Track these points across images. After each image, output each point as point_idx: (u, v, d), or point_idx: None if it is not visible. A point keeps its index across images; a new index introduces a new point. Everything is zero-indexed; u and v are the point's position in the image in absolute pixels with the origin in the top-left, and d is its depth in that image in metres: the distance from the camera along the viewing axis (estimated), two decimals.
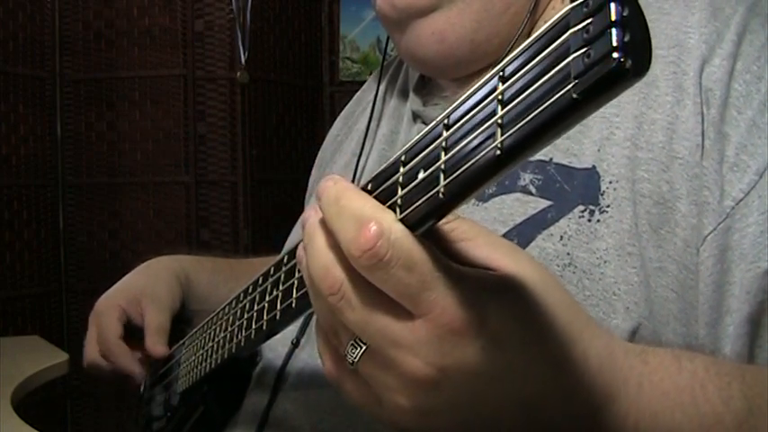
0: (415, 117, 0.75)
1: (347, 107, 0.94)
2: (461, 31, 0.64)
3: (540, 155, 0.59)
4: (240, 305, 0.63)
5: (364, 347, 0.40)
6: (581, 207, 0.56)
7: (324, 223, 0.39)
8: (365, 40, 2.91)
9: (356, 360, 0.40)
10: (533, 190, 0.58)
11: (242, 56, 2.51)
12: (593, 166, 0.57)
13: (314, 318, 0.47)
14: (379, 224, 0.35)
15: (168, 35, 2.49)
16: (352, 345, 0.40)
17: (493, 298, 0.38)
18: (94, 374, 0.92)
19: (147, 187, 2.52)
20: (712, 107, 0.55)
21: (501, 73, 0.31)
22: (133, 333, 0.90)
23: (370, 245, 0.35)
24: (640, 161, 0.56)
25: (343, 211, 0.37)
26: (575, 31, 0.27)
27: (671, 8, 0.60)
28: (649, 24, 0.61)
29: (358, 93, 0.94)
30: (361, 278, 0.37)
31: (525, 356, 0.39)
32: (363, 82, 0.96)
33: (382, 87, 0.84)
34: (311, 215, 0.41)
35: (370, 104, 0.82)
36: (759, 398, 0.45)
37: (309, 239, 0.40)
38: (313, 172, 0.96)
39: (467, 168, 0.32)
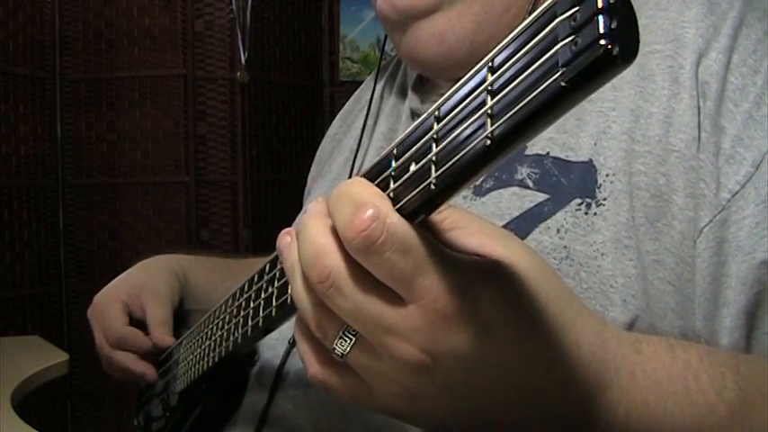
0: (414, 115, 0.75)
1: (345, 106, 0.95)
2: (461, 32, 0.64)
3: (538, 149, 0.60)
4: (236, 303, 0.63)
5: (354, 339, 0.40)
6: (578, 200, 0.56)
7: (318, 213, 0.40)
8: (365, 40, 2.91)
9: (346, 352, 0.40)
10: (530, 184, 0.58)
11: (242, 56, 2.51)
12: (590, 160, 0.57)
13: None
14: (376, 208, 0.35)
15: (168, 35, 2.49)
16: (341, 337, 0.40)
17: (486, 284, 0.38)
18: (118, 377, 0.91)
19: (147, 187, 2.52)
20: (708, 100, 0.55)
21: (490, 64, 0.32)
22: (135, 327, 0.90)
23: (364, 226, 0.35)
24: (637, 154, 0.56)
25: (343, 195, 0.37)
26: (562, 20, 0.27)
27: (668, 4, 0.61)
28: (647, 20, 0.61)
29: (356, 92, 0.94)
30: (353, 265, 0.37)
31: (517, 343, 0.39)
32: (363, 82, 0.96)
33: (380, 85, 0.85)
34: (312, 206, 0.41)
35: (368, 102, 0.82)
36: (753, 388, 0.45)
37: (302, 228, 0.40)
38: (312, 170, 0.96)
39: (458, 159, 0.32)
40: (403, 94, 0.79)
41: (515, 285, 0.39)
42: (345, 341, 0.40)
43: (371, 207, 0.35)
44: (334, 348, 0.40)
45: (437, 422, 0.43)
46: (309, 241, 0.39)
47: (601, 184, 0.56)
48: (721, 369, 0.46)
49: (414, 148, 0.36)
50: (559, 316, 0.41)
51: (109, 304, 0.90)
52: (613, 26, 0.26)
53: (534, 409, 0.42)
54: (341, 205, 0.37)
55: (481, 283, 0.38)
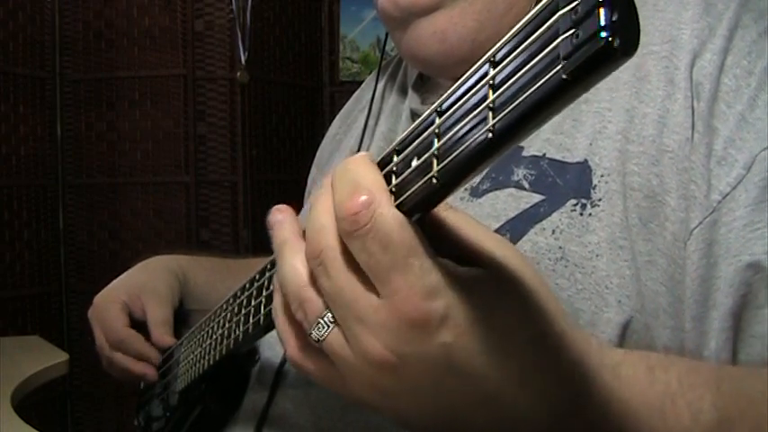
0: (413, 115, 0.75)
1: (346, 106, 0.94)
2: (463, 30, 0.64)
3: (534, 150, 0.60)
4: (237, 302, 0.63)
5: (332, 326, 0.40)
6: (573, 201, 0.56)
7: (328, 189, 0.40)
8: (365, 40, 2.91)
9: (322, 338, 0.40)
10: (526, 185, 0.59)
11: (242, 56, 2.51)
12: (585, 160, 0.57)
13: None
14: (370, 195, 0.36)
15: (168, 35, 2.49)
16: (320, 322, 0.40)
17: (464, 295, 0.37)
18: (119, 377, 0.91)
19: (147, 187, 2.52)
20: (702, 101, 0.55)
21: (492, 58, 0.32)
22: (135, 327, 0.90)
23: (354, 210, 0.36)
24: (631, 155, 0.56)
25: (346, 174, 0.38)
26: (563, 14, 0.28)
27: (665, 5, 0.61)
28: (644, 21, 0.60)
29: (356, 92, 0.94)
30: (342, 248, 0.38)
31: (495, 356, 0.39)
32: (363, 82, 0.96)
33: (381, 85, 0.84)
34: (326, 180, 0.41)
35: (369, 102, 0.82)
36: (733, 409, 0.45)
37: (314, 202, 0.41)
38: (312, 171, 0.96)
39: (459, 153, 0.32)
40: (403, 94, 0.79)
41: (501, 294, 0.39)
42: (323, 327, 0.40)
43: (366, 193, 0.36)
44: (311, 333, 0.41)
45: (405, 420, 0.43)
46: (315, 217, 0.40)
47: (596, 185, 0.56)
48: (700, 391, 0.45)
49: (415, 143, 0.36)
50: (545, 330, 0.41)
51: (109, 305, 0.90)
52: (614, 19, 0.26)
53: (508, 417, 0.42)
54: (342, 182, 0.38)
55: (459, 293, 0.37)
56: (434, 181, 0.34)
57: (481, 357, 0.38)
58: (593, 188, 0.56)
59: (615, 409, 0.43)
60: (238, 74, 2.51)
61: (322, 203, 0.40)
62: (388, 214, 0.36)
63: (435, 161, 0.34)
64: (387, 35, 0.74)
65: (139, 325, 0.90)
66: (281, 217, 0.44)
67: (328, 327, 0.40)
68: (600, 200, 0.55)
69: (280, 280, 0.43)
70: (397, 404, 0.41)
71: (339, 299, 0.38)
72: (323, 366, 0.42)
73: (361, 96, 0.92)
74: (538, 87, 0.28)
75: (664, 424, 0.44)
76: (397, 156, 0.37)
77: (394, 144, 0.38)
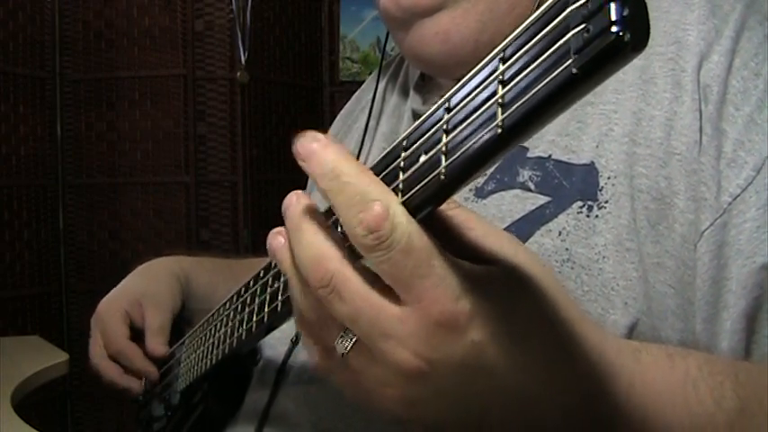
0: (416, 116, 0.75)
1: (346, 106, 0.95)
2: (466, 31, 0.64)
3: (540, 151, 0.60)
4: (241, 299, 0.63)
5: (354, 339, 0.39)
6: (579, 203, 0.56)
7: (309, 211, 0.39)
8: (365, 40, 2.92)
9: (346, 351, 0.40)
10: (532, 186, 0.58)
11: (242, 56, 2.51)
12: (592, 162, 0.57)
13: None
14: (384, 205, 0.35)
15: (168, 35, 2.49)
16: (342, 337, 0.40)
17: (486, 293, 0.37)
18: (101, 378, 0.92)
19: (147, 187, 2.52)
20: (710, 103, 0.55)
21: (501, 54, 0.32)
22: (135, 335, 0.91)
23: (375, 226, 0.35)
24: (638, 157, 0.56)
25: (345, 187, 0.36)
26: (574, 9, 0.28)
27: (670, 6, 0.60)
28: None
29: (357, 92, 0.94)
30: (353, 269, 0.37)
31: (518, 351, 0.39)
32: (363, 82, 0.96)
33: (382, 85, 0.84)
34: (293, 202, 0.40)
35: (370, 103, 0.82)
36: (752, 397, 0.45)
37: (296, 229, 0.39)
38: None
39: (468, 149, 0.32)
40: (405, 95, 0.79)
41: (518, 292, 0.39)
42: (347, 340, 0.40)
43: (379, 204, 0.35)
44: (335, 347, 0.40)
45: (433, 425, 0.43)
46: (308, 244, 0.39)
47: (602, 187, 0.56)
48: (720, 378, 0.46)
49: (423, 139, 0.36)
50: (563, 323, 0.41)
51: (111, 315, 0.91)
52: (625, 14, 0.26)
53: (534, 415, 0.42)
54: (344, 197, 0.36)
55: (481, 291, 0.37)
56: (442, 177, 0.33)
57: (507, 354, 0.38)
58: (600, 190, 0.56)
59: (639, 393, 0.43)
60: (238, 74, 2.51)
61: (308, 229, 0.39)
62: (405, 220, 0.35)
63: (443, 157, 0.33)
64: (387, 35, 0.74)
65: (140, 332, 0.91)
66: (282, 240, 0.42)
67: (352, 340, 0.40)
68: (606, 202, 0.55)
69: (296, 307, 0.42)
70: (426, 412, 0.41)
71: (359, 320, 0.38)
72: (350, 377, 0.42)
73: (361, 96, 0.92)
74: (548, 82, 0.28)
75: (687, 409, 0.44)
76: (405, 151, 0.37)
77: (400, 139, 0.38)
